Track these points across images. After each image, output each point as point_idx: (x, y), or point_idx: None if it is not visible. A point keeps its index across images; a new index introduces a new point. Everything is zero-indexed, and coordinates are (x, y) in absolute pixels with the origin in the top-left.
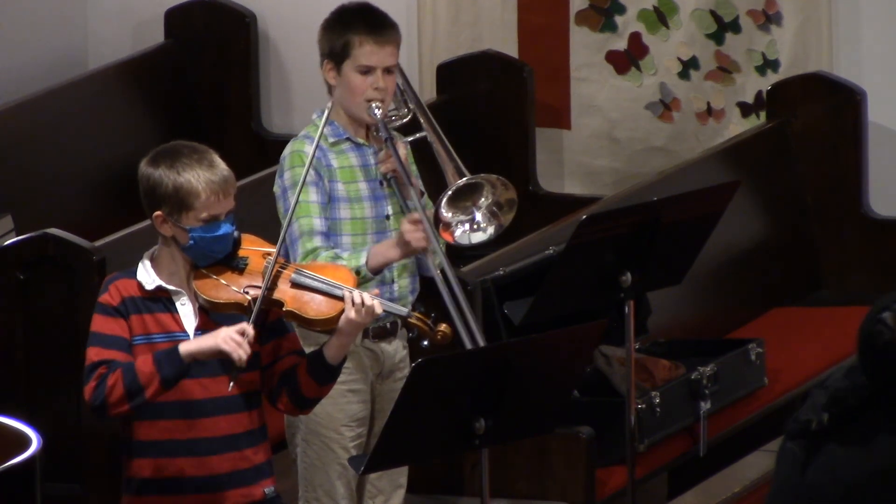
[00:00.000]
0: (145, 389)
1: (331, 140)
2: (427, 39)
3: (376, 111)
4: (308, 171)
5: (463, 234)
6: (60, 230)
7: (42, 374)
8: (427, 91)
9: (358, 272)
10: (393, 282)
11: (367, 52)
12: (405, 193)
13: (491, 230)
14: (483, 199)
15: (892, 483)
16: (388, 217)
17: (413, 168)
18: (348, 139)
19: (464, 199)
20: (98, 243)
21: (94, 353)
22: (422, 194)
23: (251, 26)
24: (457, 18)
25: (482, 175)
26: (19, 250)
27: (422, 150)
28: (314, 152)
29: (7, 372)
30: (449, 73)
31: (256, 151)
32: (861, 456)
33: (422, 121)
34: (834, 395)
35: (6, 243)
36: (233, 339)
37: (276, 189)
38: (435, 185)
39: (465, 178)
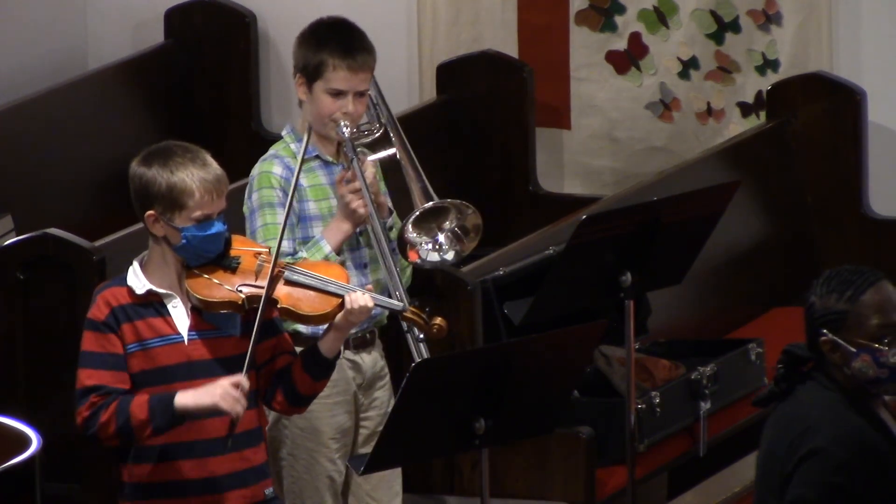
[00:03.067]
0: (135, 433)
1: (299, 158)
2: (427, 39)
3: (344, 129)
4: (274, 192)
5: (426, 252)
6: (60, 230)
7: (42, 374)
8: (427, 91)
9: (327, 260)
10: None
11: (340, 77)
12: (372, 212)
13: (451, 255)
14: (448, 223)
15: (799, 424)
16: (360, 233)
17: (382, 185)
18: (317, 156)
19: (429, 220)
20: (98, 243)
21: (85, 376)
22: (390, 213)
23: (251, 26)
24: (457, 18)
25: (448, 200)
26: (19, 250)
27: (388, 165)
28: (296, 179)
29: (7, 372)
30: (449, 73)
31: (256, 151)
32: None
33: (392, 137)
34: (787, 350)
35: (6, 243)
36: (230, 396)
37: (245, 209)
38: (404, 200)
39: (430, 203)
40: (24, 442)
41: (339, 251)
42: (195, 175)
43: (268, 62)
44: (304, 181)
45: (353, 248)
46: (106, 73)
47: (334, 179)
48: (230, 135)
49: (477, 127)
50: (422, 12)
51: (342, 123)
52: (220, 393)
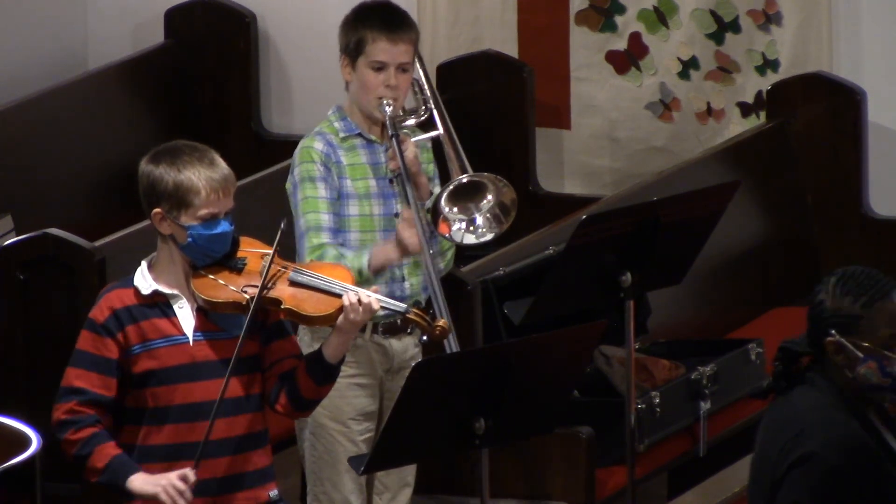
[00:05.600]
0: (85, 472)
1: (342, 135)
2: (427, 39)
3: (387, 108)
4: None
5: (458, 231)
6: (60, 230)
7: (42, 374)
8: None
9: (360, 272)
10: (403, 279)
11: (380, 48)
12: (408, 192)
13: (489, 235)
14: (485, 202)
15: (791, 427)
16: (397, 215)
17: (431, 167)
18: (360, 135)
19: (466, 198)
20: (98, 243)
21: (73, 375)
22: (430, 195)
23: (251, 26)
24: (457, 18)
25: (485, 174)
26: (19, 250)
27: (437, 149)
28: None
29: (7, 372)
30: (449, 73)
31: (256, 151)
32: (783, 411)
33: (437, 119)
34: (784, 346)
35: (6, 243)
36: (173, 489)
37: (288, 185)
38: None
39: (466, 175)
40: (24, 442)
41: (377, 273)
42: (202, 174)
43: (268, 62)
44: (343, 159)
45: (390, 229)
46: (106, 73)
47: (377, 158)
48: (230, 135)
49: (477, 127)
50: (422, 12)
51: (385, 102)
52: (164, 485)
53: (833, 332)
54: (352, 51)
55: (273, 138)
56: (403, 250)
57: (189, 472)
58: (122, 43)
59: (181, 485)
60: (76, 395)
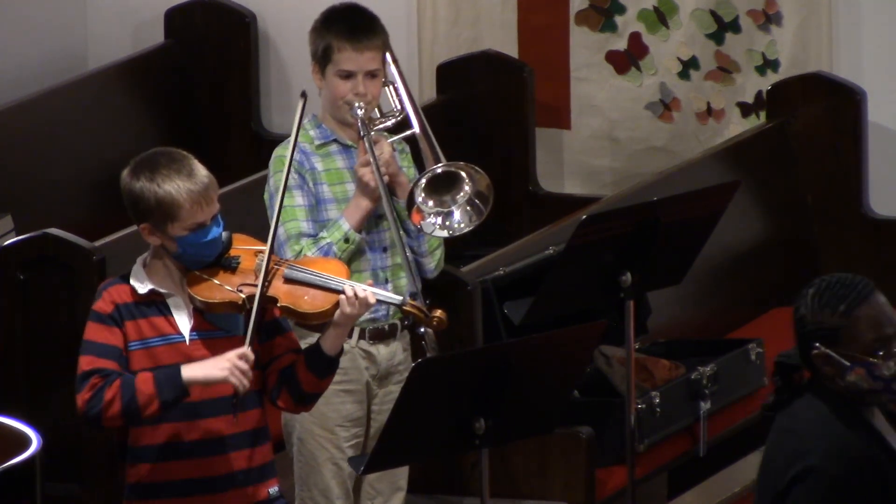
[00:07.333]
0: (143, 410)
1: (317, 142)
2: (427, 39)
3: (358, 111)
4: (289, 175)
5: (431, 224)
6: (60, 230)
7: (42, 374)
8: (427, 91)
9: (347, 239)
10: (387, 281)
11: (346, 57)
12: (382, 193)
13: (468, 228)
14: (462, 194)
15: (793, 438)
16: (381, 216)
17: (412, 171)
18: (335, 141)
19: (443, 191)
20: (98, 243)
21: (86, 362)
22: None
23: (251, 26)
24: (457, 18)
25: (459, 163)
26: (19, 250)
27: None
28: (291, 156)
29: (7, 372)
30: (449, 73)
31: (256, 151)
32: (786, 421)
33: (412, 117)
34: (778, 361)
35: (6, 243)
36: (238, 369)
37: (266, 195)
38: None
39: (440, 164)
40: (24, 442)
41: (359, 229)
42: (182, 187)
43: (268, 62)
44: (318, 165)
45: (372, 231)
46: (106, 73)
47: (352, 162)
48: (230, 135)
49: (477, 127)
50: (422, 12)
51: (356, 105)
52: (229, 367)
53: (818, 345)
54: (320, 58)
55: (273, 138)
56: (367, 193)
57: (247, 351)
58: (122, 43)
59: (244, 364)
60: (95, 373)
